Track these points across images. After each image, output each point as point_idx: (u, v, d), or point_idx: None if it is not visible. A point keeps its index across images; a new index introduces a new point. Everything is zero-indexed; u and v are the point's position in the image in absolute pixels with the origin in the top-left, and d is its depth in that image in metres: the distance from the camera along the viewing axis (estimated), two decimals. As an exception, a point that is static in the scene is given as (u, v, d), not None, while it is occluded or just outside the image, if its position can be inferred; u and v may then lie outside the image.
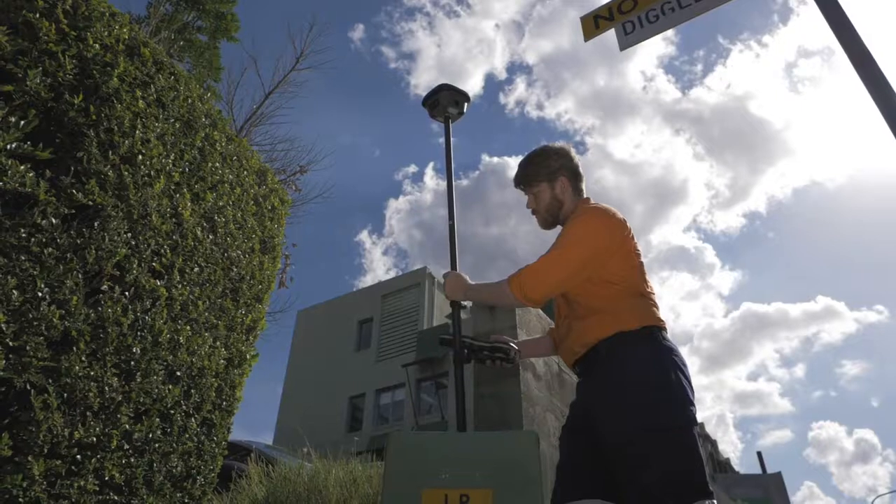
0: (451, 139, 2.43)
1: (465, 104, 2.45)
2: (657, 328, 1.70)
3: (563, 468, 1.69)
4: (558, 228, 1.97)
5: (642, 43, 2.85)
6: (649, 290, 1.79)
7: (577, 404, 1.80)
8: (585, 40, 3.06)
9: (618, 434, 1.54)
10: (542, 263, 1.78)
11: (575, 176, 1.95)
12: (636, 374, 1.60)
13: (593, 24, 3.02)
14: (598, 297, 1.74)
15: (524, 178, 1.99)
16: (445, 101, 2.42)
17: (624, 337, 1.66)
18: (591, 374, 1.72)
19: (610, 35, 2.96)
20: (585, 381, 1.76)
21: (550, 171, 1.94)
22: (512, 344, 2.02)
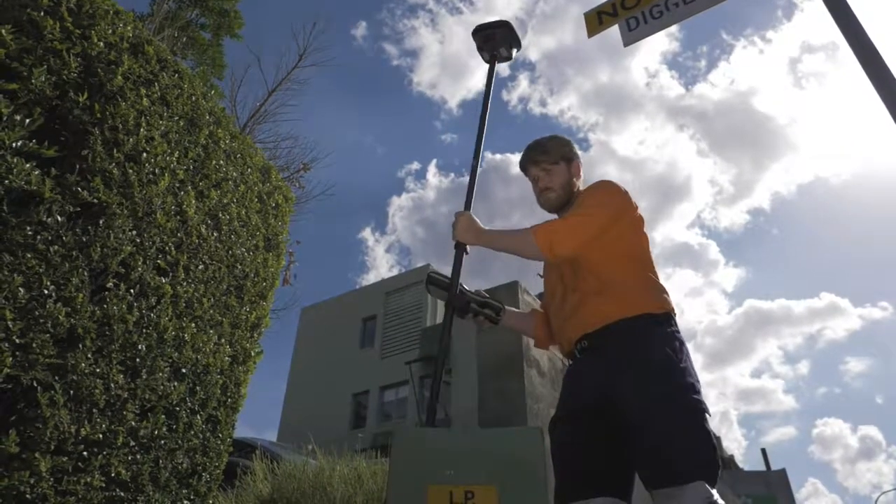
0: (493, 81, 2.26)
1: (515, 51, 2.33)
2: (674, 315, 1.73)
3: (568, 463, 1.62)
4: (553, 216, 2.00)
5: (646, 39, 2.85)
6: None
7: (580, 388, 1.69)
8: (589, 36, 3.05)
9: (643, 409, 1.51)
10: (572, 220, 1.77)
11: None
12: (661, 356, 1.59)
13: (597, 20, 3.02)
14: (616, 271, 1.74)
15: (545, 153, 1.97)
16: (501, 39, 2.26)
17: (651, 318, 1.66)
18: (606, 351, 1.65)
19: (613, 31, 2.95)
20: (596, 359, 1.67)
21: (567, 152, 1.99)
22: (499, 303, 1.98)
